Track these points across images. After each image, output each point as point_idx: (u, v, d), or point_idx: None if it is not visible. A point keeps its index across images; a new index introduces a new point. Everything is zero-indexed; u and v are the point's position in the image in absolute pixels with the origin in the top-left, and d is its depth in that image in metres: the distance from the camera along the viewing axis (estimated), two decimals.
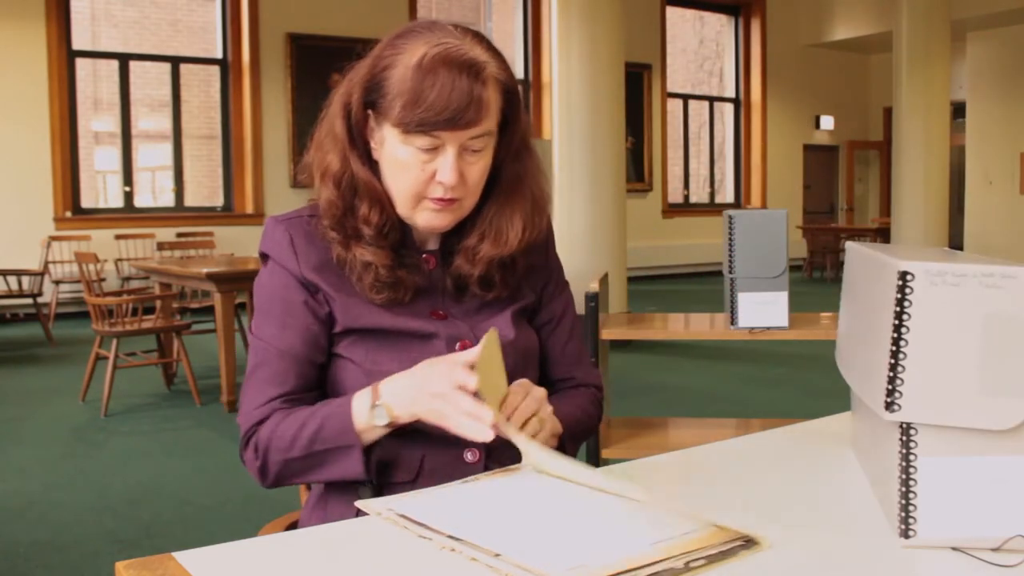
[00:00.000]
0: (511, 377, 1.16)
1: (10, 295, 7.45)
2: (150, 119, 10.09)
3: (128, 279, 8.54)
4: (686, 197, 13.69)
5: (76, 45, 9.16)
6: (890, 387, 0.90)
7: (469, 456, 1.21)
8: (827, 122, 15.05)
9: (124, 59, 9.53)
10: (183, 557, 0.89)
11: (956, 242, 12.71)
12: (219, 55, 10.02)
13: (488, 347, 1.09)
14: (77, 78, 9.17)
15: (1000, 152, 12.50)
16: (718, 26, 14.31)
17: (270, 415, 1.19)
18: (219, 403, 5.02)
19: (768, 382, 5.86)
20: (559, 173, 6.90)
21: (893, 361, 0.90)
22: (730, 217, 2.72)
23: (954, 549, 0.91)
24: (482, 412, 1.06)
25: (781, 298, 2.75)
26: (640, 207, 12.26)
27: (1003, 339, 0.87)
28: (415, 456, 1.20)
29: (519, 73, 11.59)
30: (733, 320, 2.78)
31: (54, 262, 8.37)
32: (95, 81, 9.65)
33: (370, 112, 1.20)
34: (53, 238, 8.52)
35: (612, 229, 7.09)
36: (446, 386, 1.08)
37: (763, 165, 14.15)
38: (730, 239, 2.72)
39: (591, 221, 6.90)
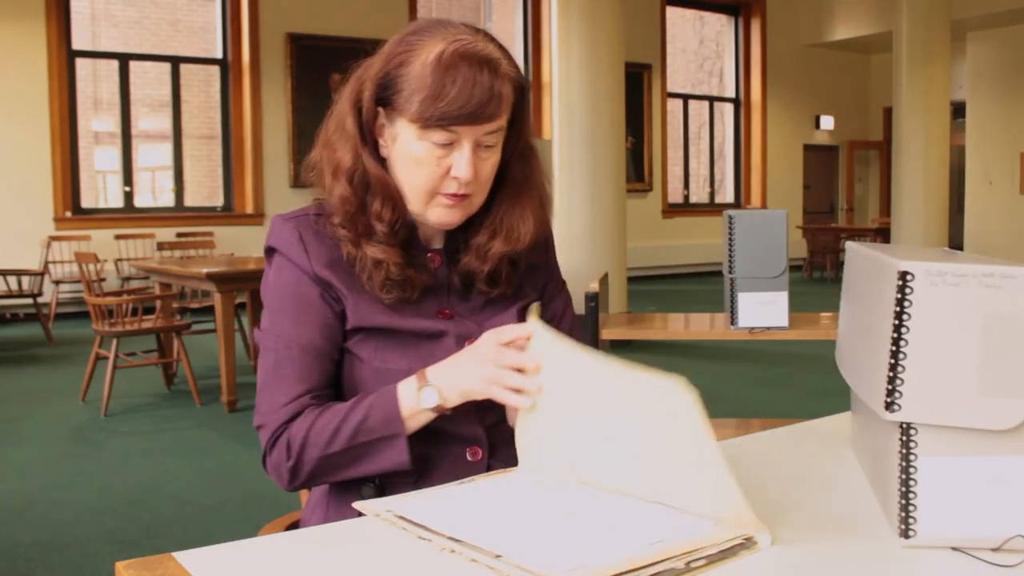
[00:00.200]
0: None
1: (10, 295, 7.45)
2: (150, 119, 10.09)
3: (128, 279, 8.55)
4: (686, 197, 13.70)
5: (76, 45, 9.16)
6: (890, 387, 0.90)
7: (471, 455, 1.22)
8: (827, 122, 15.05)
9: (124, 59, 9.53)
10: (183, 557, 0.89)
11: (956, 242, 12.71)
12: (219, 55, 10.02)
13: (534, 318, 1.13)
14: (77, 78, 9.18)
15: (1000, 152, 12.50)
16: (718, 26, 14.32)
17: (300, 412, 1.17)
18: (219, 403, 5.02)
19: (768, 382, 5.86)
20: (559, 173, 6.90)
21: (893, 361, 0.90)
22: (730, 217, 2.72)
23: (954, 549, 0.91)
24: (529, 384, 1.09)
25: (781, 298, 2.75)
26: (640, 207, 12.26)
27: (1003, 339, 0.87)
28: (418, 455, 1.20)
29: None
30: (733, 320, 2.78)
31: (54, 262, 8.37)
32: (95, 81, 9.65)
33: (380, 109, 1.20)
34: (53, 238, 8.52)
35: (612, 229, 7.09)
36: (495, 366, 1.11)
37: (763, 165, 14.16)
38: (730, 239, 2.72)
39: (591, 221, 6.90)
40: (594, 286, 2.83)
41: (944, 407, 0.89)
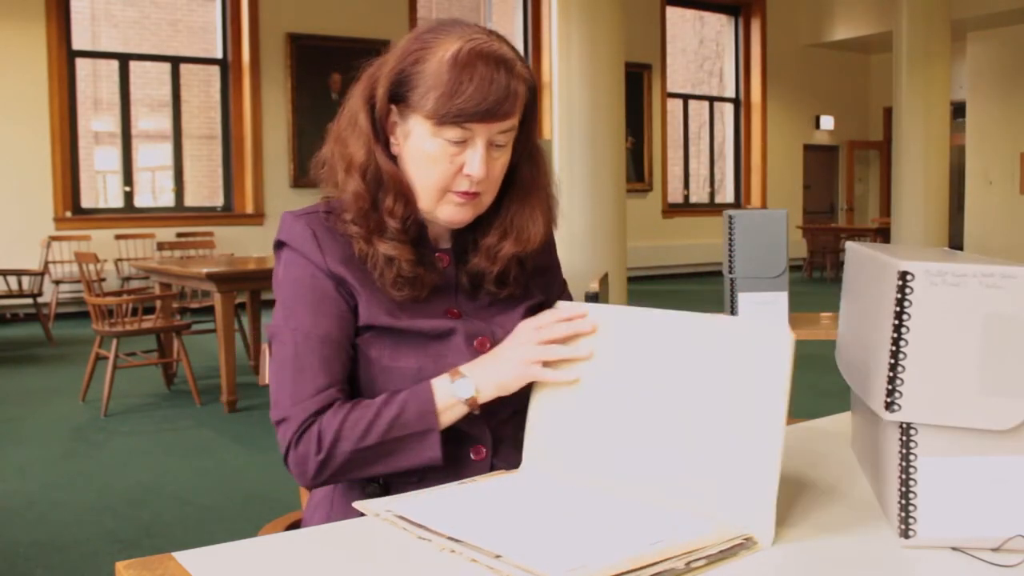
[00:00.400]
0: None
1: (10, 295, 7.45)
2: (150, 119, 10.09)
3: (128, 279, 8.54)
4: (686, 197, 13.69)
5: (76, 45, 9.16)
6: (890, 387, 0.90)
7: (475, 454, 1.22)
8: (827, 122, 15.05)
9: (124, 59, 9.53)
10: (183, 557, 0.89)
11: (956, 242, 12.70)
12: (219, 55, 10.02)
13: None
14: (77, 78, 9.17)
15: (1000, 152, 12.50)
16: (718, 26, 14.31)
17: (327, 405, 1.16)
18: (219, 403, 5.02)
19: None
20: (559, 173, 6.89)
21: (893, 361, 0.90)
22: (730, 217, 2.72)
23: (954, 549, 0.91)
24: (581, 351, 1.13)
25: (781, 298, 2.75)
26: (640, 207, 12.26)
27: (1003, 339, 0.87)
28: None
29: None
30: None
31: (54, 262, 8.37)
32: (95, 81, 9.65)
33: (393, 107, 1.20)
34: (53, 238, 8.52)
35: (612, 229, 7.08)
36: (538, 343, 1.15)
37: (763, 165, 14.15)
38: (730, 239, 2.72)
39: (591, 221, 6.90)
40: (594, 286, 2.83)
41: (944, 407, 0.89)
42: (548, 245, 1.36)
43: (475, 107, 1.14)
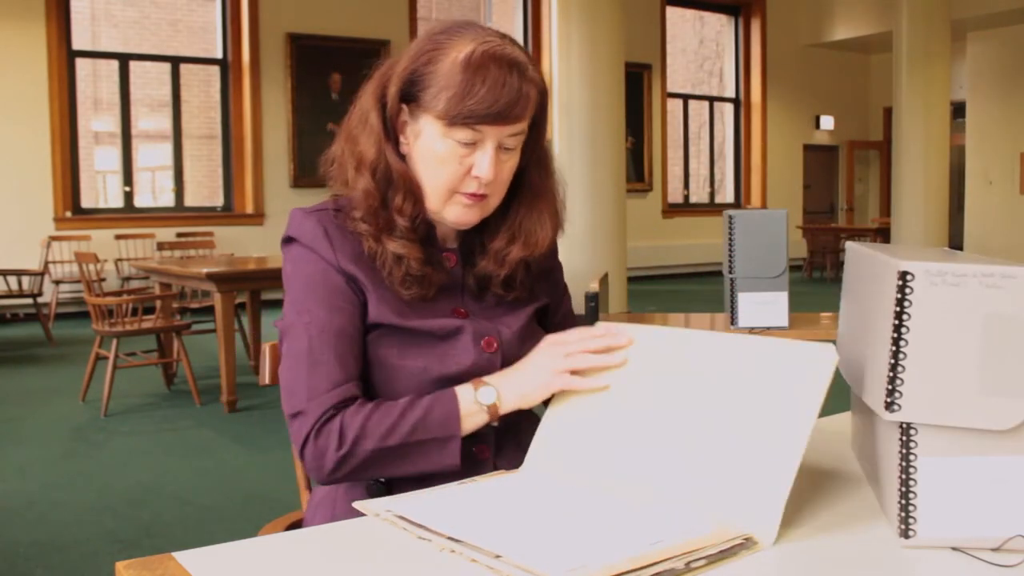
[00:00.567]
0: None
1: (10, 295, 7.45)
2: (150, 119, 10.09)
3: (128, 279, 8.55)
4: (686, 197, 13.69)
5: (76, 45, 9.16)
6: (890, 387, 0.90)
7: (478, 454, 1.22)
8: (827, 122, 15.05)
9: (124, 59, 9.53)
10: (183, 557, 0.89)
11: (956, 242, 12.71)
12: (219, 55, 10.02)
13: None
14: (77, 78, 9.17)
15: (1000, 152, 12.50)
16: (718, 26, 14.32)
17: (346, 399, 1.16)
18: (219, 403, 5.02)
19: None
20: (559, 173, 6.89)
21: (893, 361, 0.90)
22: (730, 217, 2.72)
23: (954, 549, 0.91)
24: (613, 360, 1.14)
25: (781, 298, 2.75)
26: (640, 207, 12.26)
27: (1003, 339, 0.87)
28: None
29: None
30: (733, 320, 2.78)
31: (54, 262, 8.37)
32: (95, 81, 9.65)
33: (404, 106, 1.21)
34: (53, 238, 8.52)
35: (612, 229, 7.09)
36: (565, 355, 1.17)
37: (763, 165, 14.16)
38: (730, 239, 2.72)
39: (591, 221, 6.90)
40: (594, 286, 2.83)
41: (944, 407, 0.89)
42: (552, 248, 1.37)
43: (486, 109, 1.14)
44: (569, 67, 6.92)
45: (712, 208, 13.59)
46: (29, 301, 7.69)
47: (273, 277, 5.57)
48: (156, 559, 0.88)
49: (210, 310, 5.67)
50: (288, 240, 1.25)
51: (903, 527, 0.92)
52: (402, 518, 0.97)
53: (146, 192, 10.09)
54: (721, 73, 14.36)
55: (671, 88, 13.35)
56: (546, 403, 1.22)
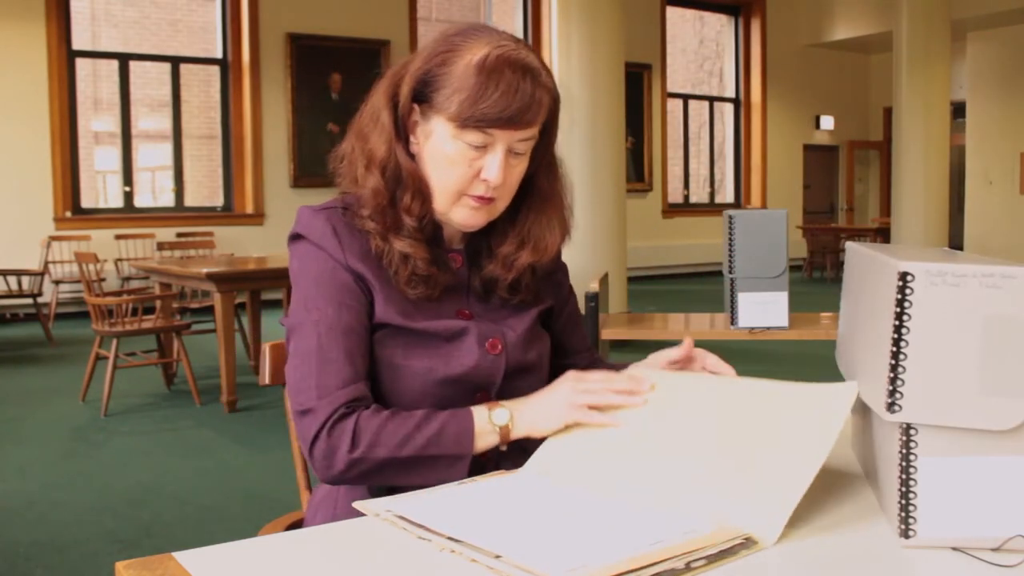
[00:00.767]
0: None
1: (10, 295, 7.45)
2: (150, 119, 10.09)
3: (128, 279, 8.55)
4: (686, 197, 13.70)
5: (76, 45, 9.16)
6: (891, 388, 0.90)
7: (482, 454, 1.22)
8: (827, 122, 15.05)
9: (124, 59, 9.53)
10: (183, 557, 0.89)
11: (956, 242, 12.71)
12: (219, 55, 10.02)
13: None
14: (77, 78, 9.18)
15: (1000, 152, 12.50)
16: (718, 26, 14.32)
17: (357, 399, 1.16)
18: (219, 403, 5.01)
19: None
20: None
21: (894, 362, 0.90)
22: (730, 217, 2.72)
23: (954, 549, 0.91)
24: (635, 400, 1.15)
25: (781, 298, 2.75)
26: (640, 207, 12.26)
27: (1003, 339, 0.87)
28: None
29: None
30: (733, 320, 2.79)
31: (54, 262, 8.37)
32: (95, 81, 9.65)
33: (416, 106, 1.21)
34: (53, 238, 8.52)
35: (612, 229, 7.09)
36: (583, 391, 1.17)
37: (763, 165, 14.16)
38: (730, 239, 2.72)
39: (591, 221, 6.90)
40: (594, 286, 2.83)
41: (944, 407, 0.89)
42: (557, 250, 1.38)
43: (499, 114, 1.15)
44: (569, 67, 6.92)
45: (712, 208, 13.59)
46: (29, 301, 7.69)
47: (273, 277, 5.58)
48: (156, 559, 0.88)
49: (210, 310, 5.66)
50: (296, 237, 1.25)
51: (903, 527, 0.92)
52: (402, 518, 0.97)
53: (146, 192, 10.09)
54: (721, 73, 14.37)
55: (671, 88, 13.35)
56: None
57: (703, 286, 11.70)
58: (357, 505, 1.02)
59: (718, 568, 0.85)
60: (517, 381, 1.27)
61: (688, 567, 0.84)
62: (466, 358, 1.22)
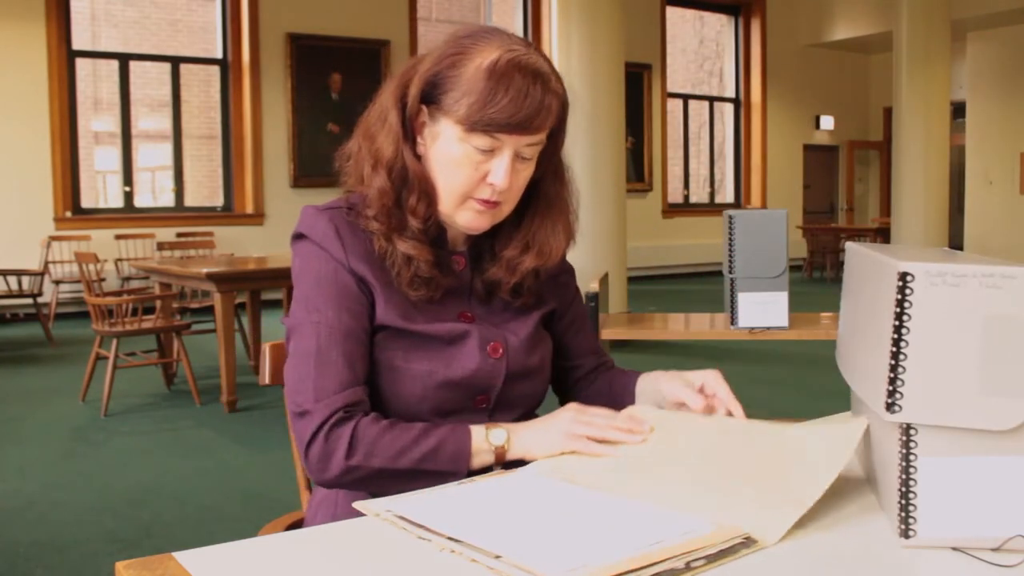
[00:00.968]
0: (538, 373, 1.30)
1: (10, 295, 7.45)
2: (150, 119, 10.09)
3: (128, 279, 8.55)
4: (686, 197, 13.70)
5: (76, 45, 9.16)
6: (891, 388, 0.90)
7: None
8: (827, 122, 15.05)
9: (124, 59, 9.53)
10: (183, 557, 0.89)
11: (956, 242, 12.71)
12: (219, 55, 10.02)
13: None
14: (77, 78, 9.18)
15: (1000, 152, 12.50)
16: (718, 26, 14.32)
17: (356, 402, 1.16)
18: (219, 403, 5.02)
19: (768, 382, 5.86)
20: None
21: (894, 362, 0.90)
22: (730, 217, 2.72)
23: (954, 549, 0.91)
24: (634, 438, 1.15)
25: (781, 298, 2.75)
26: (640, 207, 12.26)
27: (1003, 339, 0.87)
28: None
29: None
30: (733, 320, 2.78)
31: (54, 262, 8.37)
32: (95, 81, 9.65)
33: (424, 107, 1.20)
34: (53, 238, 8.52)
35: (612, 229, 7.09)
36: (583, 422, 1.16)
37: (763, 165, 14.16)
38: (730, 239, 2.72)
39: (591, 221, 6.90)
40: (594, 286, 2.83)
41: (944, 407, 0.89)
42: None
43: (507, 119, 1.14)
44: (569, 67, 6.92)
45: (712, 208, 13.59)
46: (29, 301, 7.69)
47: (273, 277, 5.58)
48: (156, 559, 0.88)
49: (210, 310, 5.66)
50: (298, 236, 1.24)
51: (903, 527, 0.92)
52: (402, 518, 0.97)
53: (146, 192, 10.09)
54: (721, 73, 14.37)
55: (671, 88, 13.36)
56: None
57: (703, 286, 11.70)
58: (357, 505, 1.02)
59: (718, 568, 0.85)
60: (518, 385, 1.27)
61: (688, 567, 0.84)
62: (467, 362, 1.22)
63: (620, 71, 7.19)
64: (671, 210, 13.22)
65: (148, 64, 9.80)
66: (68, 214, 8.93)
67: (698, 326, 3.11)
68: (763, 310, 2.73)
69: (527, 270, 1.27)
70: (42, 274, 7.65)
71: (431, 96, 1.19)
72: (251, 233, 9.74)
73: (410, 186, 1.21)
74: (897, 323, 0.89)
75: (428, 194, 1.21)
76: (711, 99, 14.13)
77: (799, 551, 0.90)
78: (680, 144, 13.66)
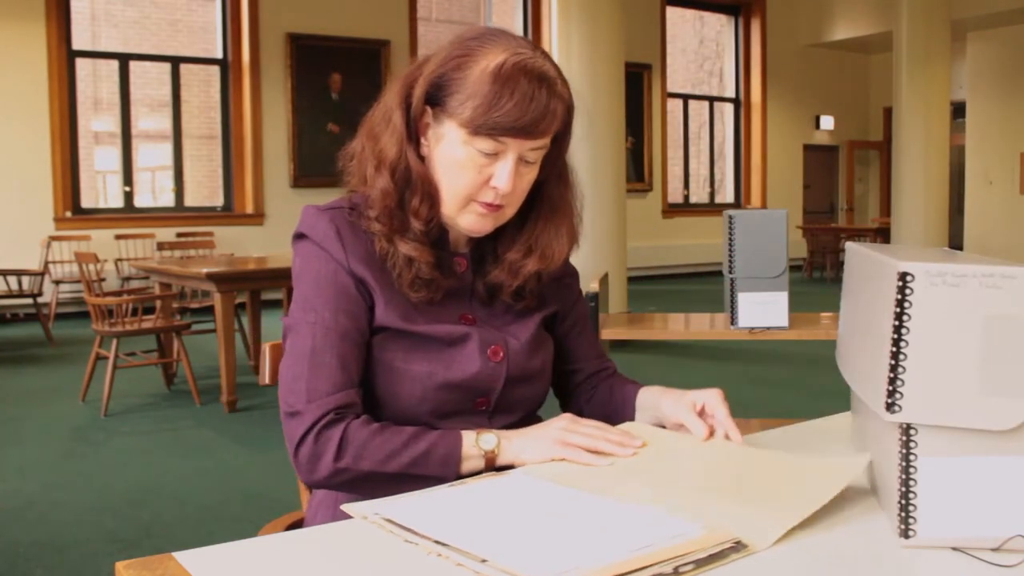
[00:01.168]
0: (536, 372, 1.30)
1: (10, 295, 7.45)
2: (150, 119, 10.09)
3: (128, 279, 8.55)
4: (686, 197, 13.70)
5: (76, 45, 9.16)
6: (891, 388, 0.90)
7: None
8: (827, 122, 15.05)
9: (124, 59, 9.53)
10: (183, 557, 0.88)
11: (956, 242, 12.71)
12: (219, 55, 10.02)
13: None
14: (77, 78, 9.18)
15: (1000, 152, 12.50)
16: (718, 26, 14.32)
17: (348, 404, 1.16)
18: (219, 403, 5.02)
19: (768, 382, 5.86)
20: None
21: (893, 362, 0.90)
22: (730, 217, 2.72)
23: (954, 549, 0.91)
24: (623, 451, 1.15)
25: (781, 298, 2.75)
26: (640, 207, 12.26)
27: (1003, 339, 0.87)
28: None
29: None
30: (733, 320, 2.78)
31: (54, 262, 8.37)
32: (95, 81, 9.65)
33: (429, 108, 1.20)
34: (53, 238, 8.52)
35: (612, 229, 7.09)
36: (572, 431, 1.16)
37: (763, 165, 14.16)
38: (730, 239, 2.72)
39: (591, 221, 6.81)
40: (594, 286, 2.83)
41: (944, 407, 0.89)
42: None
43: (512, 123, 1.14)
44: (569, 67, 6.92)
45: (712, 208, 13.59)
46: (29, 301, 7.69)
47: (273, 277, 5.58)
48: (156, 559, 0.88)
49: (210, 310, 5.66)
50: (299, 236, 1.24)
51: (903, 527, 0.92)
52: (389, 521, 0.97)
53: (146, 192, 10.09)
54: (721, 73, 14.36)
55: (671, 88, 13.36)
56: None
57: (703, 286, 11.70)
58: (345, 507, 1.01)
59: (707, 572, 0.85)
60: (518, 388, 1.27)
61: (676, 571, 0.83)
62: (467, 365, 1.21)
63: (620, 71, 7.19)
64: (671, 210, 13.22)
65: (148, 64, 9.80)
66: (68, 214, 8.93)
67: (698, 326, 3.11)
68: (763, 310, 2.73)
69: (529, 273, 1.26)
70: (42, 274, 7.65)
71: (436, 98, 1.19)
72: (251, 233, 9.74)
73: (413, 187, 1.21)
74: (897, 323, 0.89)
75: (431, 196, 1.21)
76: (711, 99, 14.13)
77: (798, 551, 0.90)
78: (680, 144, 13.66)
